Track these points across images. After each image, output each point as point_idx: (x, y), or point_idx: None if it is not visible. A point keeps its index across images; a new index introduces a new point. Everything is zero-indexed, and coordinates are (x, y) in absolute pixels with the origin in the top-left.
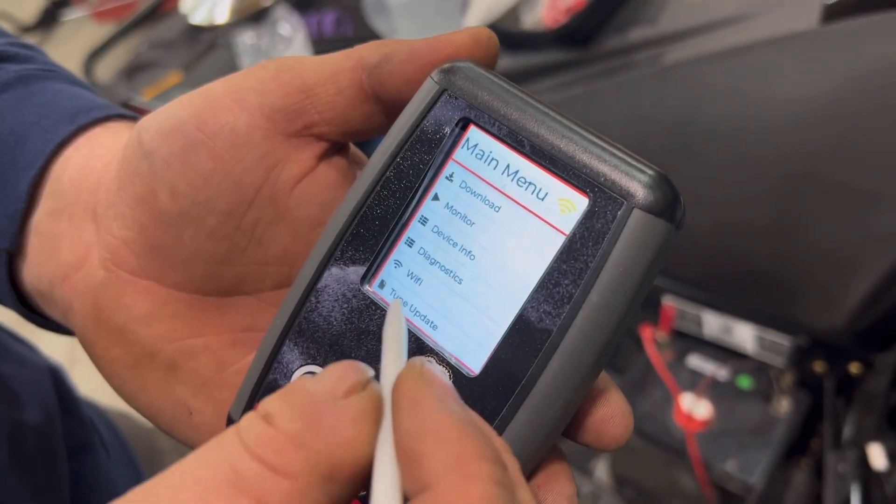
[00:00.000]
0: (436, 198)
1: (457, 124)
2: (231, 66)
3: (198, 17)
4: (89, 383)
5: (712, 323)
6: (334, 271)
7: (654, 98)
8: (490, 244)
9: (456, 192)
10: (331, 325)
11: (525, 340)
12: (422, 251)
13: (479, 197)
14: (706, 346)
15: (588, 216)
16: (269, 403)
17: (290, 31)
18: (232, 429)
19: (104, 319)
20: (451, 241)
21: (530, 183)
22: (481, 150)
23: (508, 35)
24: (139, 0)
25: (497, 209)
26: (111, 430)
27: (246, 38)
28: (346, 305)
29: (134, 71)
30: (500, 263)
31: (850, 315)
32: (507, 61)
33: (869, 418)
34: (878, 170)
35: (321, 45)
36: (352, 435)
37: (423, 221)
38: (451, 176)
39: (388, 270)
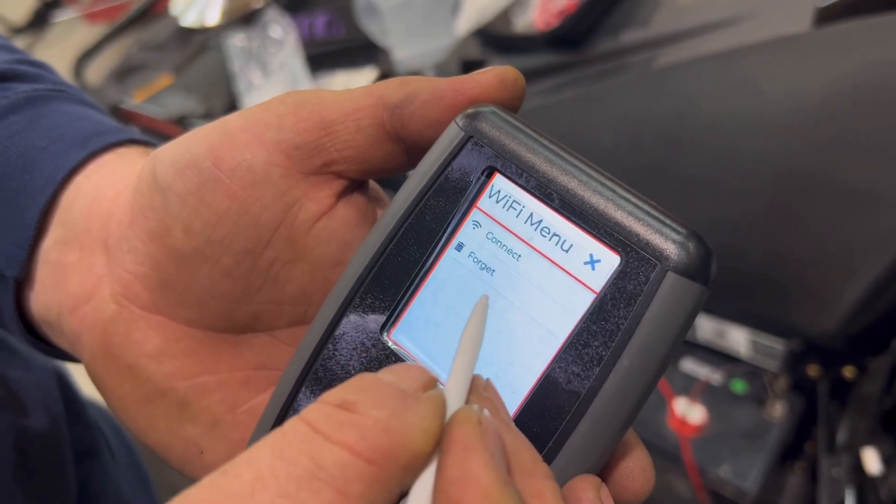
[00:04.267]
0: (459, 246)
1: (482, 173)
2: (221, 69)
3: (188, 20)
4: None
5: (706, 327)
6: (353, 318)
7: (646, 100)
8: (515, 297)
9: (480, 241)
10: (349, 373)
11: (552, 402)
12: (444, 300)
13: (504, 248)
14: (700, 350)
15: (620, 276)
16: (343, 393)
17: (281, 33)
18: (296, 422)
19: (114, 355)
20: (474, 292)
21: (559, 237)
22: (507, 201)
23: (500, 38)
24: (131, 1)
25: (523, 261)
26: (116, 433)
27: (237, 41)
28: (364, 354)
29: (124, 73)
30: (526, 318)
31: (844, 319)
32: (498, 64)
33: (863, 422)
34: (872, 172)
35: (312, 47)
36: (433, 427)
37: (446, 270)
38: (475, 225)
39: (408, 319)
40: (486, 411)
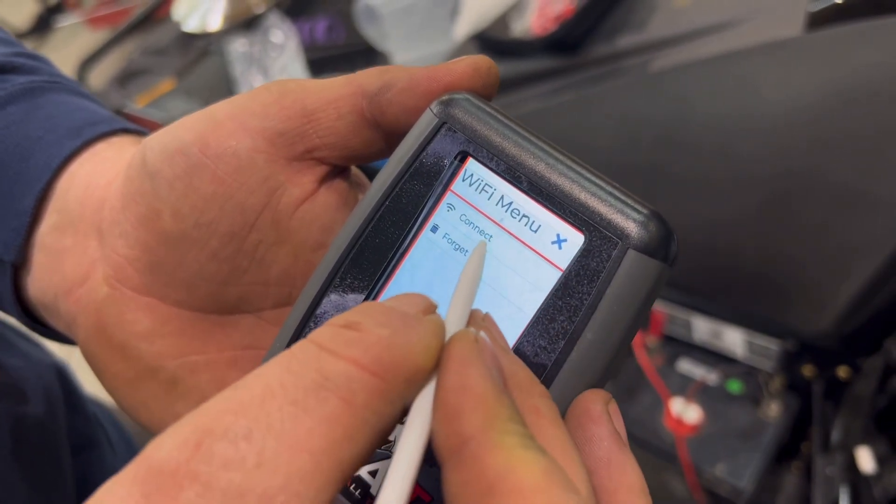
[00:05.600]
0: (434, 228)
1: (455, 157)
2: (223, 74)
3: (190, 25)
4: (94, 380)
5: (702, 328)
6: (333, 298)
7: (643, 103)
8: (487, 275)
9: (454, 222)
10: None
11: None
12: (420, 279)
13: (477, 228)
14: (696, 351)
15: (584, 254)
16: (349, 316)
17: (283, 38)
18: (304, 343)
19: (107, 335)
20: (448, 271)
21: (527, 217)
22: (480, 184)
23: (498, 43)
24: (133, 6)
25: (495, 241)
26: (116, 427)
27: (238, 46)
28: None
29: (127, 78)
30: (497, 295)
31: (838, 319)
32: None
33: (857, 422)
34: (864, 174)
35: (313, 51)
36: (434, 344)
37: (422, 250)
38: (449, 207)
39: (386, 298)
40: (482, 333)
